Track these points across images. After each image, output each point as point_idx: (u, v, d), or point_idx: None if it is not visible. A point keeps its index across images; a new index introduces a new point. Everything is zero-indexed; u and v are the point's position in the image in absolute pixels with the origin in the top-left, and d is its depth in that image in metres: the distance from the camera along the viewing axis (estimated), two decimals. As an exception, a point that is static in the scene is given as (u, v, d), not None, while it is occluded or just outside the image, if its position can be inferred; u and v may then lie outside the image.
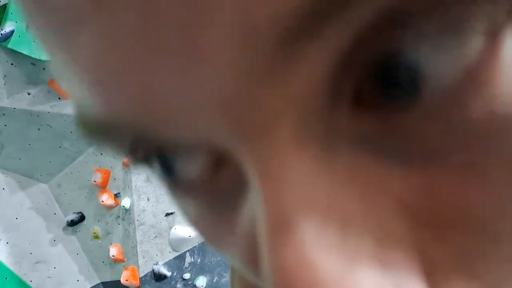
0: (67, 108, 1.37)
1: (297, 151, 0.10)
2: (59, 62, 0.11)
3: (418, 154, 0.10)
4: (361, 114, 0.10)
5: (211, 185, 0.13)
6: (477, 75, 0.09)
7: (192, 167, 0.12)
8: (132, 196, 1.49)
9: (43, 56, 1.21)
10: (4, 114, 1.35)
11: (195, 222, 0.15)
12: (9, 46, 1.25)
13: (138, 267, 1.56)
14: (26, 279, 1.54)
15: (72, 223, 1.56)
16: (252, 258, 0.12)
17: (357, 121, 0.10)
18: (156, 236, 1.57)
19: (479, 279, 0.10)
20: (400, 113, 0.09)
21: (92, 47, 0.10)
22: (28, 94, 1.33)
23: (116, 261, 1.57)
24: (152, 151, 0.12)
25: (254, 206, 0.11)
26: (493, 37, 0.09)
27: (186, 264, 1.65)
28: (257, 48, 0.08)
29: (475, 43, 0.08)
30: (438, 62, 0.09)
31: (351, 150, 0.10)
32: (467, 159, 0.09)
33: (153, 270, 1.58)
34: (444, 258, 0.10)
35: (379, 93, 0.09)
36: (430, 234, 0.10)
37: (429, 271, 0.10)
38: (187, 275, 1.65)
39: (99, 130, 0.12)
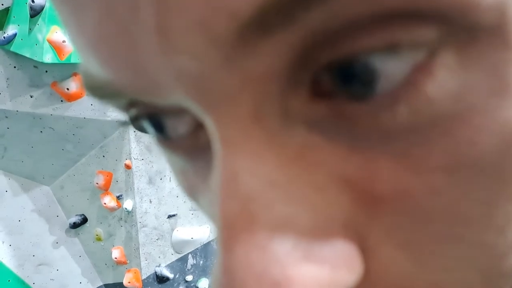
0: (70, 111, 1.37)
1: (253, 124, 0.11)
2: (72, 34, 0.13)
3: (364, 139, 0.11)
4: (318, 100, 0.11)
5: (193, 143, 0.14)
6: (415, 81, 0.10)
7: (178, 126, 0.14)
8: (134, 198, 1.49)
9: (45, 59, 1.22)
10: (7, 117, 1.35)
11: (178, 174, 0.17)
12: (11, 49, 1.26)
13: (141, 269, 1.56)
14: (29, 281, 1.55)
15: (74, 226, 1.57)
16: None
17: (313, 106, 0.11)
18: (159, 238, 1.57)
19: (406, 250, 0.12)
20: (354, 103, 0.11)
21: (92, 18, 0.12)
22: (31, 97, 1.33)
23: (118, 263, 1.57)
24: (145, 111, 0.14)
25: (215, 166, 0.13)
26: (430, 53, 0.10)
27: (189, 266, 1.65)
28: (217, 38, 0.10)
29: (415, 55, 0.10)
30: (390, 64, 0.10)
31: (305, 131, 0.11)
32: (405, 148, 0.11)
33: (155, 272, 1.58)
34: (376, 231, 0.12)
35: (336, 84, 0.11)
36: (365, 209, 0.12)
37: (362, 242, 0.12)
38: (189, 277, 1.65)
39: (102, 90, 0.14)
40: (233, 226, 0.11)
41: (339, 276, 0.11)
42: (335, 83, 0.11)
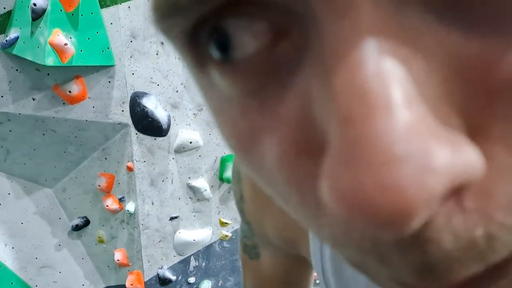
0: (72, 113, 1.37)
1: (372, 10, 0.11)
2: None
3: (481, 22, 0.11)
4: None
5: (267, 59, 0.13)
6: None
7: (250, 39, 0.13)
8: (136, 200, 1.49)
9: (47, 62, 1.22)
10: (9, 120, 1.36)
11: (232, 118, 0.15)
12: (13, 52, 1.26)
13: (143, 271, 1.56)
14: (31, 283, 1.55)
15: (77, 228, 1.57)
16: (296, 148, 0.13)
17: None
18: (161, 240, 1.57)
19: None
20: None
21: None
22: (33, 100, 1.33)
23: (121, 265, 1.57)
24: (213, 23, 0.13)
25: (314, 82, 0.12)
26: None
27: (191, 268, 1.65)
28: None
29: None
30: None
31: (420, 13, 0.11)
32: None
33: (158, 274, 1.58)
34: (492, 127, 0.11)
35: None
36: (481, 100, 0.11)
37: (477, 135, 0.11)
38: (192, 279, 1.65)
39: (171, 9, 0.13)
40: (367, 104, 0.10)
41: (468, 160, 0.10)
42: None
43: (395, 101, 0.10)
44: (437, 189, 0.10)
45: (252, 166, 0.15)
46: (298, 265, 0.44)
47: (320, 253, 0.35)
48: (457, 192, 0.11)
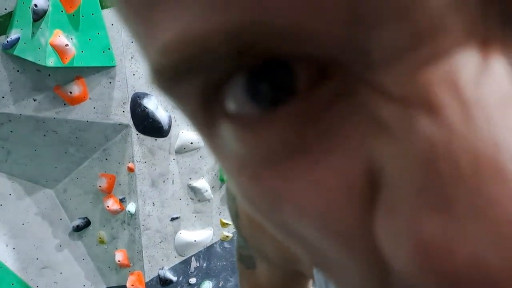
0: (72, 114, 1.37)
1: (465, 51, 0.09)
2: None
3: None
4: None
5: (307, 103, 0.11)
6: None
7: (289, 82, 0.11)
8: (137, 201, 1.49)
9: (48, 63, 1.22)
10: (10, 121, 1.36)
11: (254, 173, 0.13)
12: (14, 53, 1.26)
13: (144, 272, 1.56)
14: (32, 284, 1.54)
15: (78, 229, 1.56)
16: (347, 217, 0.11)
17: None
18: (162, 241, 1.57)
19: None
20: None
21: None
22: (34, 101, 1.33)
23: (121, 266, 1.57)
24: (248, 67, 0.11)
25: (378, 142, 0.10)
26: None
27: (192, 269, 1.65)
28: None
29: None
30: None
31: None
32: None
33: (158, 275, 1.58)
34: None
35: None
36: None
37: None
38: (193, 280, 1.64)
39: (191, 58, 0.11)
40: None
41: None
42: None
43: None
44: None
45: (281, 226, 0.13)
46: (295, 276, 0.43)
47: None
48: None
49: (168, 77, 0.12)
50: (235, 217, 0.41)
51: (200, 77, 0.12)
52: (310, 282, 0.45)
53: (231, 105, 0.12)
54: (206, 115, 0.13)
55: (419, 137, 0.09)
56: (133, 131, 1.42)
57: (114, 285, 1.63)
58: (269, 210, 0.13)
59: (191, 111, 0.13)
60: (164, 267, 1.59)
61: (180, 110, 0.14)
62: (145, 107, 1.39)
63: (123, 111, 1.40)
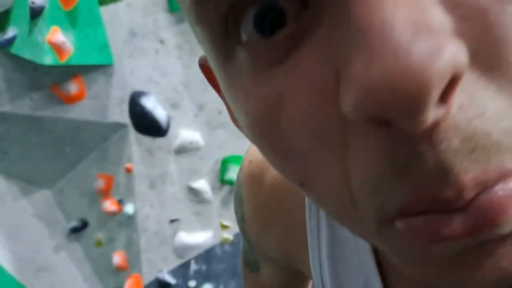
0: (70, 113, 1.37)
1: None
2: None
3: None
4: None
5: (297, 28, 0.16)
6: None
7: (285, 9, 0.16)
8: (135, 202, 1.49)
9: (45, 61, 1.21)
10: (6, 120, 1.35)
11: (254, 89, 0.17)
12: (11, 51, 1.26)
13: (142, 275, 1.55)
14: (29, 286, 1.54)
15: (75, 230, 1.56)
16: (321, 96, 0.15)
17: None
18: (161, 243, 1.57)
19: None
20: None
21: None
22: (30, 99, 1.33)
23: (119, 268, 1.56)
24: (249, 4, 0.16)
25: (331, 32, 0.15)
26: None
27: (191, 272, 1.64)
28: None
29: None
30: None
31: None
32: None
33: (157, 278, 1.58)
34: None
35: None
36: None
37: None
38: (192, 283, 1.64)
39: None
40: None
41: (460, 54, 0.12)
42: None
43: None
44: (447, 66, 0.12)
45: (273, 137, 0.17)
46: (296, 278, 0.48)
47: (319, 269, 0.37)
48: (453, 87, 0.13)
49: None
50: (241, 220, 0.45)
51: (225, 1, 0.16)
52: (310, 282, 0.50)
53: (243, 36, 0.17)
54: (224, 41, 0.17)
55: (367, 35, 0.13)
56: (131, 130, 1.42)
57: (112, 288, 1.62)
58: (269, 125, 0.17)
59: (213, 35, 0.18)
60: (163, 270, 1.59)
61: (200, 38, 0.19)
62: (143, 106, 1.39)
63: (121, 110, 1.39)
